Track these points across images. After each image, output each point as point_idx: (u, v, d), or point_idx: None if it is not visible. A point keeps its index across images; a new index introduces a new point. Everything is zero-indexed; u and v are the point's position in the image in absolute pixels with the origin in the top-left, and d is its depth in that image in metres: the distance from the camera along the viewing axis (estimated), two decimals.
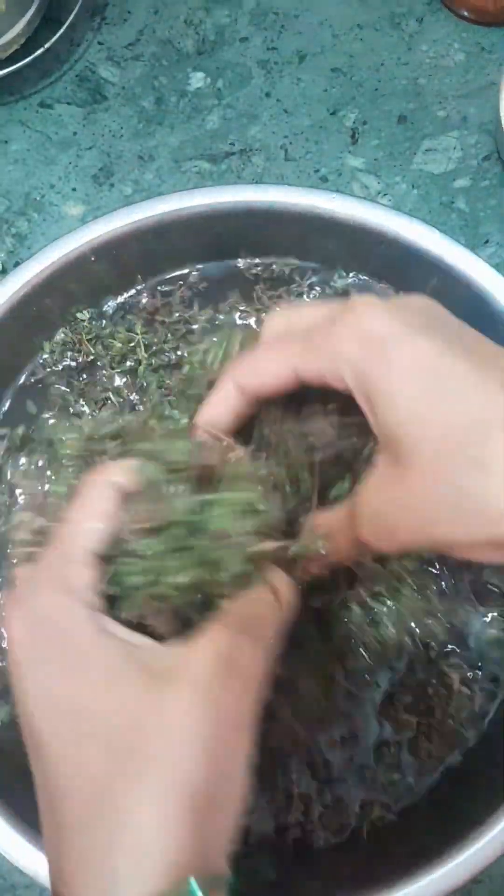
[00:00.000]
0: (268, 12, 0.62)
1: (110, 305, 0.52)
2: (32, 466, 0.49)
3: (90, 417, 0.50)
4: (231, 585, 0.29)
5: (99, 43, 0.62)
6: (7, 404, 0.51)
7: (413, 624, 0.42)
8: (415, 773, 0.44)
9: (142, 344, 0.50)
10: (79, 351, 0.50)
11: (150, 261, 0.51)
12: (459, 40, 0.61)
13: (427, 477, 0.26)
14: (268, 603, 0.29)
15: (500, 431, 0.25)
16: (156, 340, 0.50)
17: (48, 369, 0.51)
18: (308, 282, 0.51)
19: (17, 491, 0.49)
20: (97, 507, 0.29)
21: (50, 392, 0.50)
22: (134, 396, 0.50)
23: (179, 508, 0.29)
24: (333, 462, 0.34)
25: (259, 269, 0.52)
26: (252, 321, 0.51)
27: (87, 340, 0.50)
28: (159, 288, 0.52)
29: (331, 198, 0.49)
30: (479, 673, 0.45)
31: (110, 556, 0.29)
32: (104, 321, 0.51)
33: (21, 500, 0.49)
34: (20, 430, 0.50)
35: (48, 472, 0.49)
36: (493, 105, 0.57)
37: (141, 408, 0.50)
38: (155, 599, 0.29)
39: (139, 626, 0.28)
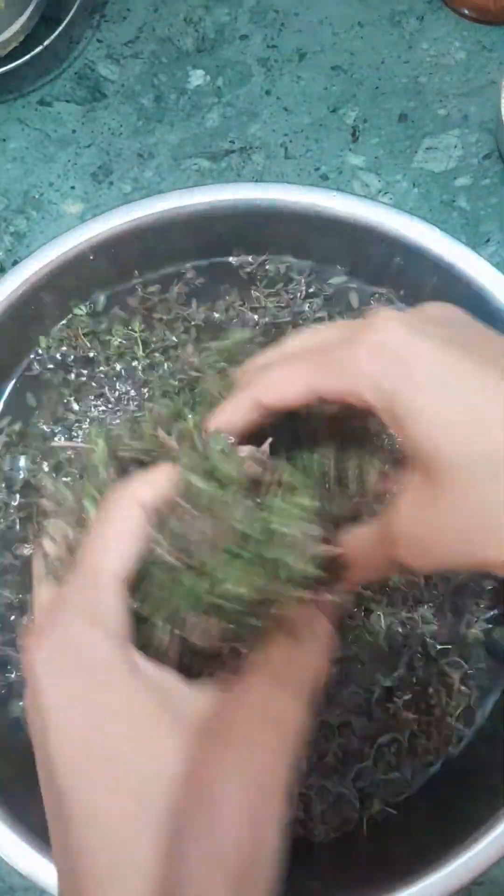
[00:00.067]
0: (268, 10, 0.62)
1: (107, 301, 0.51)
2: (37, 468, 0.49)
3: (91, 417, 0.50)
4: (286, 600, 0.28)
5: (98, 41, 0.62)
6: (4, 400, 0.50)
7: (409, 622, 0.42)
8: (413, 769, 0.44)
9: (140, 342, 0.50)
10: (75, 346, 0.50)
11: (149, 259, 0.51)
12: (460, 38, 0.61)
13: (465, 497, 0.25)
14: (309, 652, 0.28)
15: None
16: (154, 339, 0.50)
17: (44, 365, 0.51)
18: (307, 280, 0.51)
19: (15, 487, 0.49)
20: (124, 527, 0.27)
21: (46, 388, 0.50)
22: (132, 393, 0.50)
23: (233, 517, 0.28)
24: (345, 477, 0.34)
25: (258, 267, 0.52)
26: (252, 320, 0.51)
27: (84, 335, 0.50)
28: (157, 284, 0.52)
29: (331, 196, 0.48)
30: (472, 670, 0.45)
31: (141, 577, 0.28)
32: (101, 317, 0.51)
33: (19, 496, 0.49)
34: (17, 427, 0.49)
35: (46, 470, 0.49)
36: (494, 103, 0.57)
37: (135, 404, 0.50)
38: (200, 616, 0.28)
39: (164, 655, 0.27)
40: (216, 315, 0.51)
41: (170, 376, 0.50)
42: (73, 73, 0.61)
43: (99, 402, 0.50)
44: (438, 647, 0.45)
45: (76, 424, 0.50)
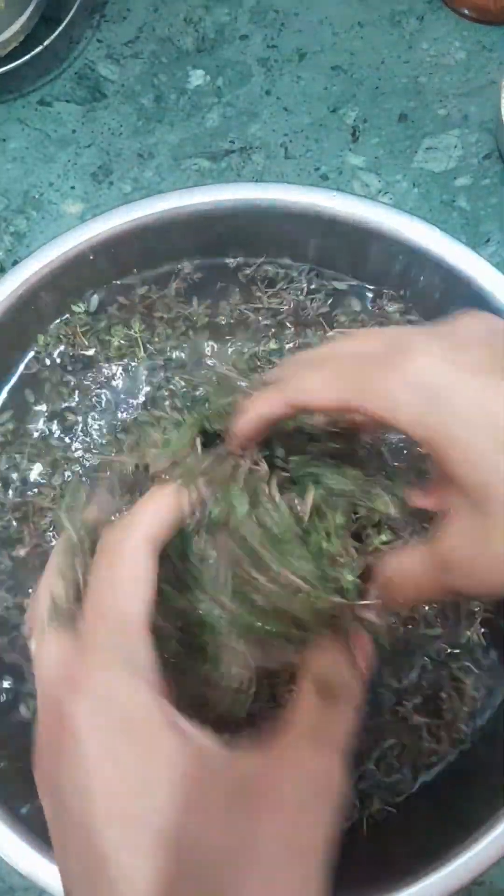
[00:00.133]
0: (268, 10, 0.62)
1: (107, 300, 0.51)
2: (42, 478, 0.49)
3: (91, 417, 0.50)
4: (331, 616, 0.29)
5: (98, 41, 0.62)
6: (2, 398, 0.50)
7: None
8: (416, 770, 0.44)
9: (140, 343, 0.50)
10: (73, 345, 0.50)
11: (148, 259, 0.51)
12: (460, 38, 0.61)
13: None
14: (345, 710, 0.28)
15: None
16: (156, 339, 0.50)
17: (43, 363, 0.50)
18: (308, 279, 0.51)
19: (10, 486, 0.49)
20: (139, 569, 0.27)
21: (45, 386, 0.50)
22: (134, 395, 0.50)
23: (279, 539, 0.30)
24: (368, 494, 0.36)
25: (258, 267, 0.51)
26: (255, 322, 0.51)
27: (82, 333, 0.50)
28: (156, 283, 0.51)
29: (331, 196, 0.48)
30: (479, 672, 0.45)
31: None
32: (100, 315, 0.51)
33: (11, 494, 0.49)
34: (10, 425, 0.49)
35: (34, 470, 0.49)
36: (494, 103, 0.57)
37: (135, 406, 0.50)
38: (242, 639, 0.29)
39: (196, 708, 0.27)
40: (220, 318, 0.51)
41: (173, 378, 0.50)
42: (73, 73, 0.61)
43: (100, 404, 0.50)
44: (448, 650, 0.45)
45: (77, 426, 0.50)
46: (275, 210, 0.49)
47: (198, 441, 0.35)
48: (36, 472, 0.49)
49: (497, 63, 0.60)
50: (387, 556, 0.32)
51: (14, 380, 0.51)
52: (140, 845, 0.23)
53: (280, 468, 0.36)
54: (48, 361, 0.51)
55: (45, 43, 0.58)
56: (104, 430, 0.49)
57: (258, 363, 0.49)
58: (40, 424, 0.50)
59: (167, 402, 0.49)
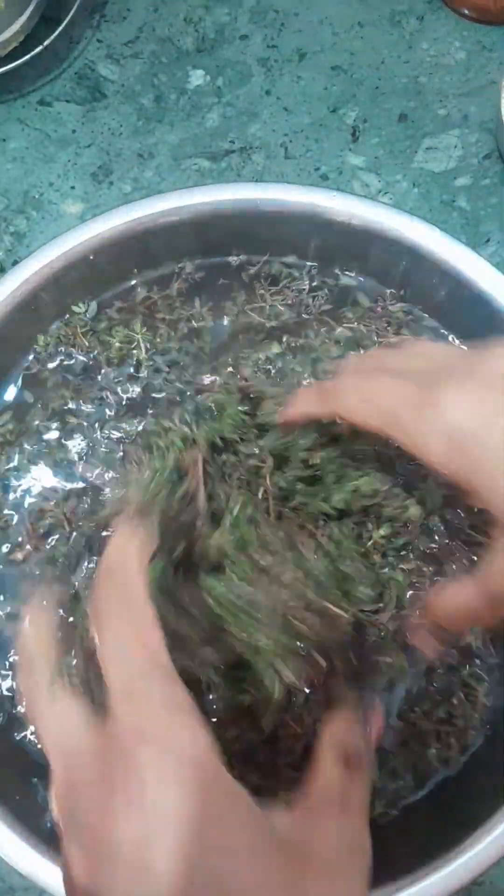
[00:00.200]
0: (268, 10, 0.62)
1: (107, 300, 0.51)
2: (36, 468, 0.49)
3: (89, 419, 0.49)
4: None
5: (98, 41, 0.62)
6: (3, 398, 0.50)
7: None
8: (418, 775, 0.44)
9: (142, 344, 0.50)
10: (73, 345, 0.50)
11: (149, 259, 0.51)
12: (460, 38, 0.61)
13: None
14: (362, 778, 0.30)
15: None
16: (158, 340, 0.50)
17: (43, 364, 0.50)
18: (308, 279, 0.51)
19: (10, 487, 0.48)
20: (154, 619, 0.27)
21: (45, 387, 0.50)
22: (135, 397, 0.49)
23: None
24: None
25: (259, 267, 0.51)
26: (259, 325, 0.50)
27: (82, 334, 0.50)
28: (157, 283, 0.51)
29: (331, 196, 0.48)
30: (489, 679, 0.45)
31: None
32: (101, 316, 0.51)
33: (12, 495, 0.48)
34: (11, 426, 0.49)
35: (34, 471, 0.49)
36: (494, 103, 0.57)
37: (136, 405, 0.49)
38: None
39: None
40: (223, 319, 0.51)
41: (176, 380, 0.49)
42: (73, 73, 0.61)
43: (101, 406, 0.49)
44: (458, 657, 0.45)
45: (77, 427, 0.49)
46: (275, 210, 0.49)
47: (200, 459, 0.39)
48: (37, 473, 0.49)
49: (497, 63, 0.60)
50: (438, 591, 0.35)
51: (14, 380, 0.50)
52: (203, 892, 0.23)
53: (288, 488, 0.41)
54: (48, 362, 0.50)
55: (45, 43, 0.58)
56: (105, 433, 0.49)
57: (266, 368, 0.49)
58: (41, 425, 0.49)
59: (169, 406, 0.49)
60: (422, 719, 0.43)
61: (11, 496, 0.48)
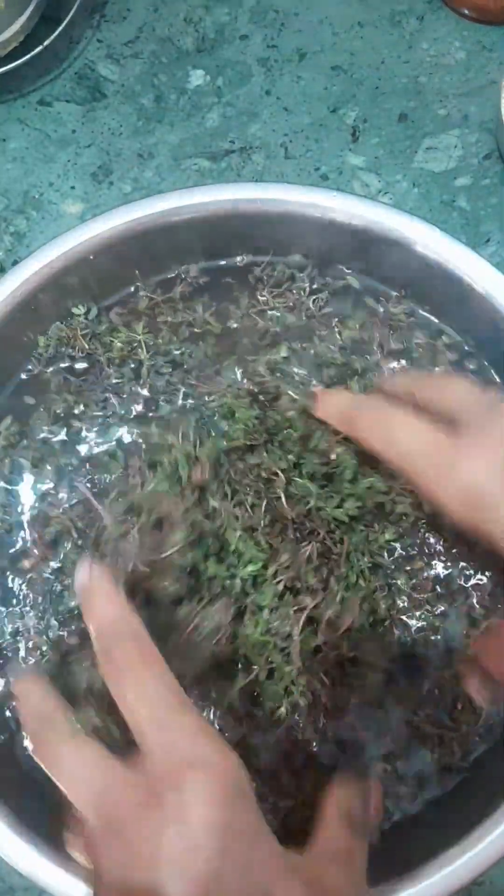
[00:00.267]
0: (268, 10, 0.62)
1: (108, 302, 0.51)
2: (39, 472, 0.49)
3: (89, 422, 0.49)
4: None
5: (98, 41, 0.62)
6: (4, 401, 0.50)
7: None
8: (420, 779, 0.44)
9: (144, 345, 0.49)
10: (74, 347, 0.49)
11: (149, 259, 0.50)
12: (460, 38, 0.61)
13: None
14: (363, 841, 0.34)
15: None
16: (160, 341, 0.50)
17: (44, 366, 0.50)
18: (309, 281, 0.51)
19: (14, 491, 0.48)
20: (163, 664, 0.31)
21: (46, 390, 0.50)
22: (137, 399, 0.49)
23: None
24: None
25: (260, 268, 0.51)
26: (263, 328, 0.50)
27: (82, 336, 0.49)
28: (159, 286, 0.51)
29: (331, 196, 0.48)
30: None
31: None
32: (101, 318, 0.50)
33: (20, 499, 0.48)
34: (13, 428, 0.49)
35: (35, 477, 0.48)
36: (494, 103, 0.57)
37: (140, 408, 0.49)
38: None
39: None
40: (225, 321, 0.50)
41: (179, 383, 0.49)
42: (73, 73, 0.61)
43: (103, 408, 0.49)
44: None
45: (80, 431, 0.49)
46: (275, 211, 0.49)
47: (201, 477, 0.42)
48: (41, 478, 0.48)
49: (497, 63, 0.60)
50: (483, 638, 0.38)
51: (15, 382, 0.50)
52: None
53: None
54: (49, 364, 0.50)
55: (45, 43, 0.58)
56: (107, 435, 0.49)
57: (272, 373, 0.49)
58: (43, 428, 0.49)
59: (173, 411, 0.49)
60: (424, 723, 0.43)
61: (15, 501, 0.48)
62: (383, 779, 0.43)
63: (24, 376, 0.50)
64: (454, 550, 0.46)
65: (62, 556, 0.46)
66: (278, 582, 0.41)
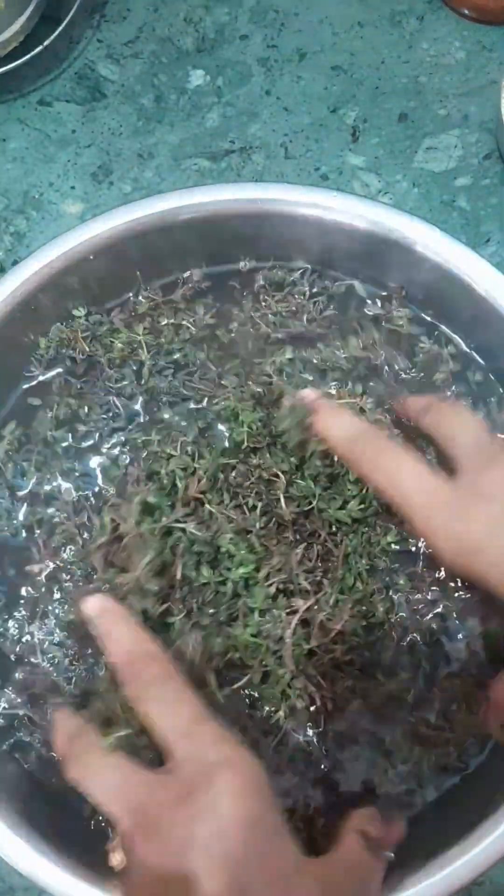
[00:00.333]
0: (268, 10, 0.62)
1: (109, 304, 0.51)
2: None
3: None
4: None
5: (98, 41, 0.62)
6: (11, 405, 0.50)
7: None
8: (420, 779, 0.44)
9: (144, 345, 0.49)
10: (75, 349, 0.49)
11: (149, 260, 0.50)
12: (460, 38, 0.61)
13: None
14: (379, 863, 0.36)
15: None
16: (162, 341, 0.49)
17: (46, 368, 0.50)
18: (309, 280, 0.51)
19: (18, 495, 0.48)
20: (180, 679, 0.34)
21: (49, 392, 0.50)
22: (138, 398, 0.49)
23: None
24: None
25: (260, 269, 0.51)
26: (265, 334, 0.50)
27: (83, 338, 0.49)
28: (159, 288, 0.51)
29: (331, 196, 0.48)
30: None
31: None
32: (102, 320, 0.50)
33: (24, 504, 0.48)
34: (17, 432, 0.49)
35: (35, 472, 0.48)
36: (494, 103, 0.57)
37: (142, 410, 0.49)
38: None
39: None
40: (227, 324, 0.50)
41: (180, 386, 0.49)
42: (73, 73, 0.61)
43: (104, 410, 0.49)
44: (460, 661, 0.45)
45: (82, 433, 0.48)
46: (275, 212, 0.49)
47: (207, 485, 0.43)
48: (45, 482, 0.48)
49: (497, 63, 0.60)
50: (497, 683, 0.40)
51: (18, 384, 0.50)
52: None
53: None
54: (51, 366, 0.50)
55: (45, 43, 0.58)
56: (108, 439, 0.48)
57: (280, 373, 0.48)
58: (46, 432, 0.49)
59: (175, 415, 0.49)
60: (422, 725, 0.43)
61: (19, 505, 0.48)
62: (383, 778, 0.43)
63: (26, 378, 0.50)
64: None
65: (66, 559, 0.46)
66: (270, 584, 0.41)
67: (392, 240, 0.48)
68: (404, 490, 0.36)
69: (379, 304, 0.51)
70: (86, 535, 0.46)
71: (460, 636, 0.45)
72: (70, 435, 0.49)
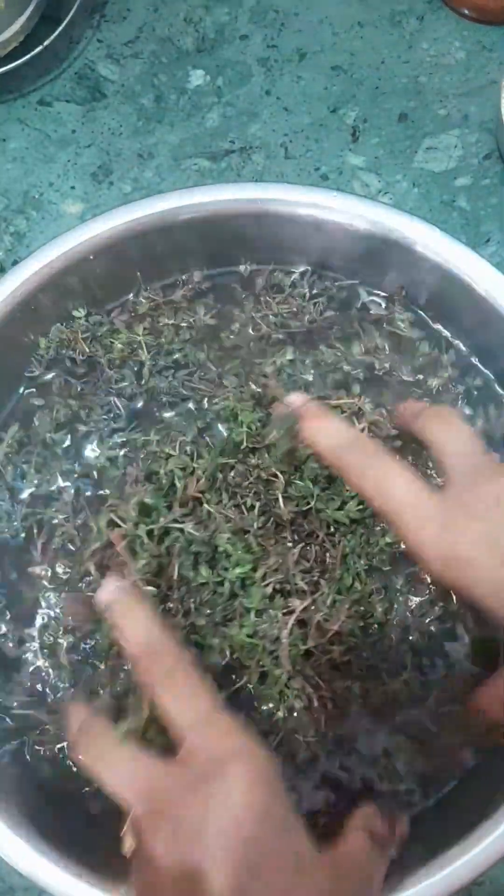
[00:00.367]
0: (268, 10, 0.62)
1: (109, 305, 0.51)
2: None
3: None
4: None
5: (98, 41, 0.62)
6: (12, 407, 0.50)
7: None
8: (420, 780, 0.44)
9: (144, 345, 0.49)
10: (75, 349, 0.49)
11: (149, 260, 0.50)
12: (460, 38, 0.61)
13: None
14: (383, 857, 0.35)
15: None
16: (162, 341, 0.49)
17: (46, 369, 0.50)
18: (309, 281, 0.51)
19: (18, 497, 0.48)
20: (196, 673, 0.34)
21: (49, 394, 0.50)
22: (138, 398, 0.49)
23: None
24: None
25: (265, 272, 0.51)
26: (266, 335, 0.50)
27: (83, 339, 0.49)
28: (160, 288, 0.51)
29: (331, 196, 0.48)
30: None
31: None
32: (102, 320, 0.50)
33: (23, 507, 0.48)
34: (18, 434, 0.49)
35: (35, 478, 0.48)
36: (494, 103, 0.57)
37: (142, 410, 0.49)
38: None
39: None
40: (228, 325, 0.50)
41: (180, 386, 0.49)
42: (73, 73, 0.61)
43: (105, 411, 0.49)
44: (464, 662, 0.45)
45: (83, 434, 0.48)
46: (275, 212, 0.49)
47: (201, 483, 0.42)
48: (45, 483, 0.48)
49: (497, 63, 0.60)
50: (482, 689, 0.39)
51: (18, 385, 0.50)
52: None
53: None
54: (51, 367, 0.50)
55: (45, 43, 0.58)
56: (108, 440, 0.48)
57: (279, 374, 0.48)
58: (47, 433, 0.48)
59: (176, 415, 0.49)
60: (422, 725, 0.43)
61: (20, 506, 0.47)
62: (383, 778, 0.43)
63: (26, 378, 0.50)
64: None
65: (66, 560, 0.46)
66: (267, 584, 0.41)
67: (392, 240, 0.48)
68: (392, 500, 0.35)
69: (379, 304, 0.51)
70: (85, 537, 0.46)
71: (459, 636, 0.45)
72: (70, 436, 0.49)
